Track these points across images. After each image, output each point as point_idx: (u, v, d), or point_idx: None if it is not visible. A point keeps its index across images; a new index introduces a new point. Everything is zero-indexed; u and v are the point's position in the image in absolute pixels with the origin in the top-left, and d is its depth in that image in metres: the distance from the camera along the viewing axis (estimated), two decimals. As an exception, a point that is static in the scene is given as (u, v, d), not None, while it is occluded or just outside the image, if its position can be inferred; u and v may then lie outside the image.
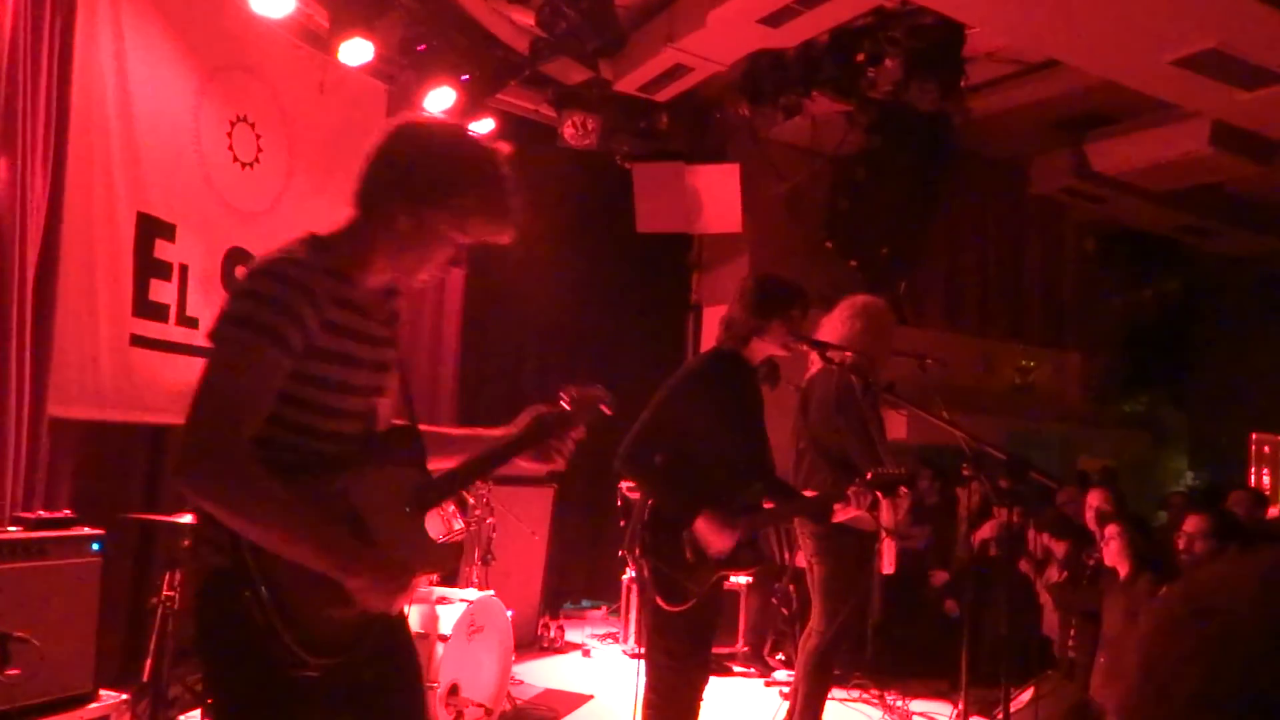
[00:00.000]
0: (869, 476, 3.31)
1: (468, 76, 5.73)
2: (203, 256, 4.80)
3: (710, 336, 4.09)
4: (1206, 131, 6.78)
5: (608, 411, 2.15)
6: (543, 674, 5.66)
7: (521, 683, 5.26)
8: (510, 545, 5.54)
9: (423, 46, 5.52)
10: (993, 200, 9.28)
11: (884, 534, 3.82)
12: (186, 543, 3.50)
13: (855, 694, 5.33)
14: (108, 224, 4.30)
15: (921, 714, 5.14)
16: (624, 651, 6.14)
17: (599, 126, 6.52)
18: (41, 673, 3.10)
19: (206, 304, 4.76)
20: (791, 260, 7.02)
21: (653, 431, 3.17)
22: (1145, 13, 5.05)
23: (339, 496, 1.76)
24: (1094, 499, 5.28)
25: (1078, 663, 4.72)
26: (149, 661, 3.56)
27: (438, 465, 2.01)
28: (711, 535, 3.06)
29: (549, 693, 5.30)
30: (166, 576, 3.57)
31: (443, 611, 4.10)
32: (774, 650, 6.06)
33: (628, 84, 6.41)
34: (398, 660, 1.94)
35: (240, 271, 4.79)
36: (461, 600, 4.24)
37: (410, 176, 1.79)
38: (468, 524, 4.71)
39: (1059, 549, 5.25)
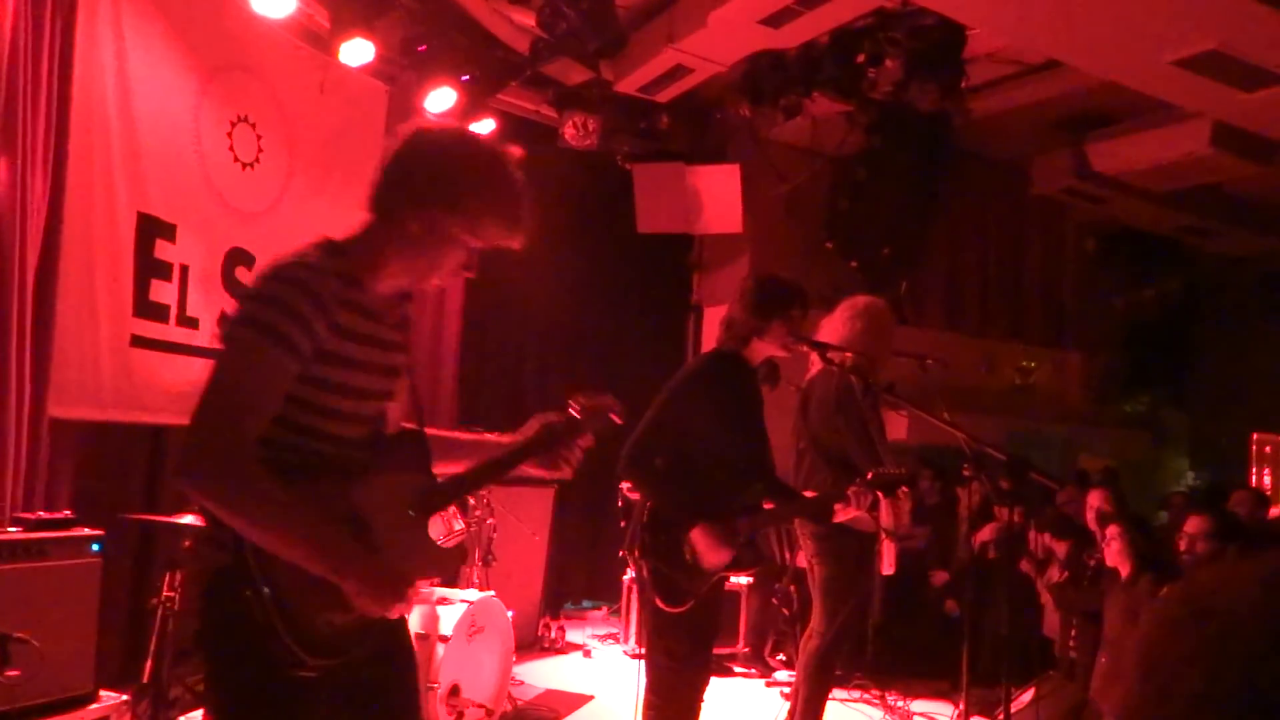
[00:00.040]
0: (869, 477, 3.31)
1: (468, 77, 5.73)
2: (203, 257, 4.80)
3: (711, 337, 4.09)
4: (1207, 132, 6.78)
5: (618, 421, 2.15)
6: (543, 674, 5.65)
7: (522, 683, 5.26)
8: (511, 546, 5.54)
9: (423, 47, 5.51)
10: (993, 200, 9.27)
11: (884, 535, 3.82)
12: (187, 543, 3.50)
13: (856, 694, 5.33)
14: (108, 224, 4.29)
15: (922, 714, 5.14)
16: (625, 652, 6.13)
17: (599, 127, 6.52)
18: (41, 673, 3.09)
19: (207, 304, 4.75)
20: (792, 261, 7.02)
21: (655, 433, 3.17)
22: (1145, 13, 5.05)
23: (340, 499, 1.76)
24: (1095, 499, 5.27)
25: (1079, 663, 4.72)
26: (149, 662, 3.56)
27: (443, 470, 2.01)
28: (708, 550, 3.06)
29: (550, 693, 5.30)
30: (166, 577, 3.56)
31: (443, 612, 4.10)
32: (775, 651, 6.06)
33: (628, 84, 6.42)
34: (397, 662, 1.95)
35: (242, 273, 4.84)
36: (462, 601, 4.24)
37: (422, 181, 1.80)
38: (468, 525, 4.71)
39: (1060, 549, 5.25)
